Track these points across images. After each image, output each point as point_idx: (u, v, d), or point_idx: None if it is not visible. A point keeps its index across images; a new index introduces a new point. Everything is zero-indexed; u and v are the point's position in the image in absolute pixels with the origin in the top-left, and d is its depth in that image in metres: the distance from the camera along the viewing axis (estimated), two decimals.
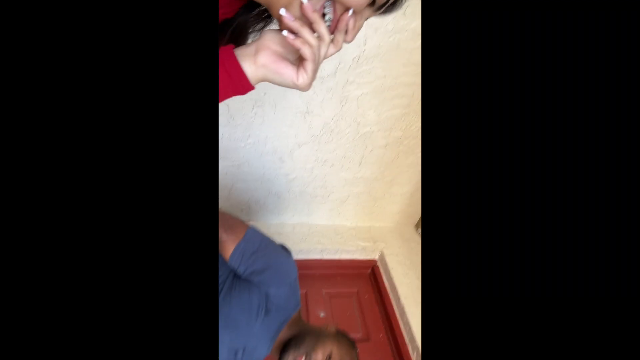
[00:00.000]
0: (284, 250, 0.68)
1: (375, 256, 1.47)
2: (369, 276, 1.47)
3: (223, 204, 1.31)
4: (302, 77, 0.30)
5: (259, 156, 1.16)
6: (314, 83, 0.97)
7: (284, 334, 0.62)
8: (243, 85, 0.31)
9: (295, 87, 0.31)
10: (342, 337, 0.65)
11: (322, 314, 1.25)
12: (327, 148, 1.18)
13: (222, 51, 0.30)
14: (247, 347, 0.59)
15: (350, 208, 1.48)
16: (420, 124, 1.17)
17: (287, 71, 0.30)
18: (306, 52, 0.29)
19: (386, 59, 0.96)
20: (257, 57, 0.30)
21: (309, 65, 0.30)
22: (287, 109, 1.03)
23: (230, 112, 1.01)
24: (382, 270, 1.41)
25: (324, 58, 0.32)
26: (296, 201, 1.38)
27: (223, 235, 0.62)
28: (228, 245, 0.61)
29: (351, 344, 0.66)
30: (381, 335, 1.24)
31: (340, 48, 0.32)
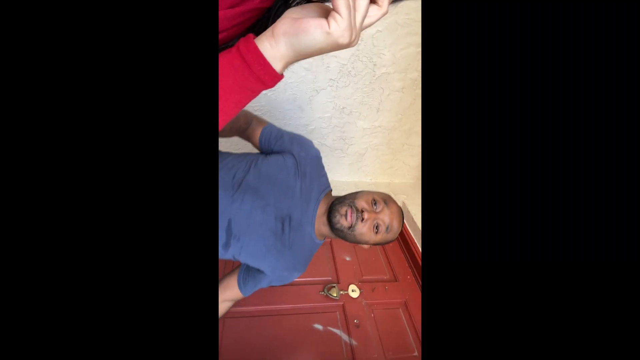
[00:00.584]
0: None
1: None
2: None
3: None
4: (335, 24, 0.24)
5: (279, 104, 1.21)
6: None
7: (322, 208, 0.65)
8: (265, 71, 0.26)
9: (332, 41, 0.24)
10: (377, 191, 0.69)
11: (348, 258, 1.27)
12: (344, 93, 1.22)
13: (241, 41, 0.26)
14: (293, 217, 0.62)
15: (369, 163, 1.50)
16: None
17: (313, 23, 0.24)
18: None
19: None
20: (275, 29, 0.26)
21: (340, 5, 0.23)
22: None
23: None
24: (406, 221, 1.42)
25: (368, 20, 0.26)
26: None
27: (251, 121, 0.71)
28: (256, 128, 0.70)
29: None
30: (409, 277, 1.24)
31: (386, 10, 0.27)
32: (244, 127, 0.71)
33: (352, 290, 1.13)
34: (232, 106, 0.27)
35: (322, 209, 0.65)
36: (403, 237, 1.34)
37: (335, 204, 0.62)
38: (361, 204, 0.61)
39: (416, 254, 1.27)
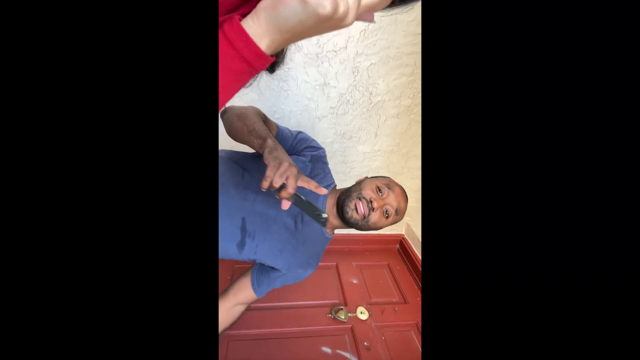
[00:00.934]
0: None
1: (401, 230, 1.48)
2: (397, 251, 1.46)
3: None
4: None
5: None
6: (329, 56, 1.16)
7: (330, 201, 0.68)
8: (248, 49, 0.24)
9: (310, 11, 0.22)
10: (378, 176, 0.72)
11: (354, 281, 1.24)
12: (344, 120, 1.32)
13: (225, 19, 0.25)
14: (305, 215, 0.64)
15: None
16: None
17: None
18: None
19: (387, 31, 1.14)
20: (257, 7, 0.24)
21: None
22: (307, 82, 1.20)
23: (260, 87, 1.18)
24: (411, 242, 1.41)
25: None
26: None
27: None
28: (271, 126, 0.74)
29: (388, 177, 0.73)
30: (418, 299, 1.20)
31: None
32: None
33: (361, 313, 1.10)
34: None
35: (330, 202, 0.69)
36: (410, 259, 1.33)
37: (344, 199, 0.66)
38: (368, 193, 0.65)
39: None
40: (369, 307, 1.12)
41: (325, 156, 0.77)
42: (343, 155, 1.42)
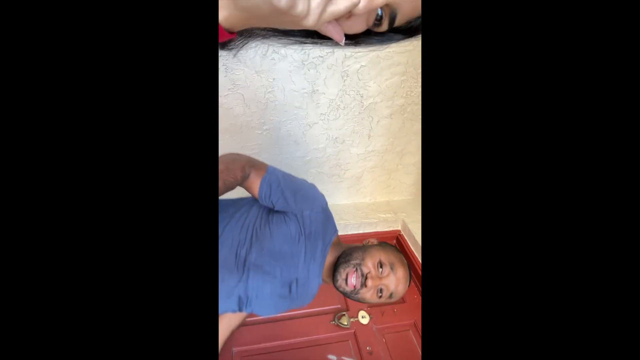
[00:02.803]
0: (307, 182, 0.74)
1: (397, 226, 1.51)
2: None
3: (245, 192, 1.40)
4: None
5: (275, 141, 1.26)
6: (316, 62, 1.08)
7: (330, 258, 0.67)
8: None
9: (270, 1, 0.22)
10: (387, 245, 0.68)
11: None
12: (336, 125, 1.27)
13: None
14: (300, 279, 0.63)
15: (367, 184, 1.54)
16: (420, 89, 1.24)
17: None
18: None
19: None
20: None
21: None
22: (295, 91, 1.13)
23: (245, 101, 1.12)
24: (407, 238, 1.45)
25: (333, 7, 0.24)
26: (315, 184, 1.46)
27: (249, 172, 0.65)
28: (254, 180, 0.65)
29: (396, 249, 0.69)
30: (415, 297, 1.27)
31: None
32: (240, 180, 0.66)
33: (362, 317, 1.16)
34: None
35: (330, 259, 0.67)
36: (406, 256, 1.37)
37: (341, 263, 0.63)
38: (367, 267, 0.61)
39: (420, 272, 1.30)
40: (370, 310, 1.18)
41: (327, 207, 0.71)
42: (337, 158, 1.39)
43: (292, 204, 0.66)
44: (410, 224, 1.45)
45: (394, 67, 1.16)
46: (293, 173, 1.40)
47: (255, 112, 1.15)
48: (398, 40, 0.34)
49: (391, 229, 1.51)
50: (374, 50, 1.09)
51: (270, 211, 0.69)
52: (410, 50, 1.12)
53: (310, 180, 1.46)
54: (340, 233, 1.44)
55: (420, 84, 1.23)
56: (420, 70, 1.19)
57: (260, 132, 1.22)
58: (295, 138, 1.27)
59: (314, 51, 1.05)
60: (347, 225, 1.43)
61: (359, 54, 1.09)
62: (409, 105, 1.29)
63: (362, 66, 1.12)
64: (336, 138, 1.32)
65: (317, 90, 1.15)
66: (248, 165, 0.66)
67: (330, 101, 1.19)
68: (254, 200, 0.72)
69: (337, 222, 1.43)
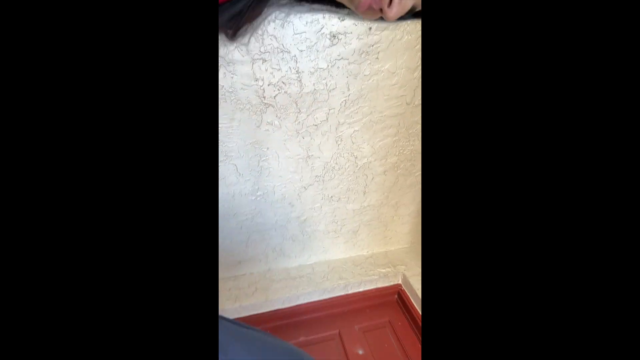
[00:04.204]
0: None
1: (398, 280, 1.47)
2: (396, 302, 1.45)
3: (242, 256, 1.33)
4: None
5: (269, 205, 1.22)
6: (310, 130, 1.08)
7: None
8: None
9: None
10: None
11: (360, 351, 1.22)
12: (331, 185, 1.25)
13: None
14: None
15: (364, 237, 1.51)
16: (412, 147, 1.26)
17: None
18: None
19: (369, 97, 1.07)
20: None
21: None
22: (290, 157, 1.12)
23: (239, 170, 1.08)
24: (409, 294, 1.41)
25: None
26: (311, 241, 1.41)
27: None
28: None
29: None
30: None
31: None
32: None
33: None
34: None
35: None
36: (414, 319, 1.32)
37: None
38: None
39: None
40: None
41: None
42: (333, 215, 1.36)
43: None
44: (411, 278, 1.42)
45: (387, 129, 1.17)
46: (289, 234, 1.36)
47: (248, 180, 1.12)
48: (406, 19, 0.36)
49: (392, 283, 1.46)
50: (367, 115, 1.10)
51: None
52: (402, 114, 1.15)
53: (306, 239, 1.42)
54: (340, 293, 1.39)
55: (410, 143, 1.25)
56: (411, 131, 1.21)
57: (254, 197, 1.18)
58: (290, 200, 1.24)
59: (307, 120, 1.05)
60: (347, 285, 1.38)
61: (352, 120, 1.10)
62: (402, 162, 1.30)
63: (355, 131, 1.13)
64: (332, 197, 1.30)
65: (312, 155, 1.14)
66: None
67: (325, 164, 1.18)
68: None
69: (337, 282, 1.38)
